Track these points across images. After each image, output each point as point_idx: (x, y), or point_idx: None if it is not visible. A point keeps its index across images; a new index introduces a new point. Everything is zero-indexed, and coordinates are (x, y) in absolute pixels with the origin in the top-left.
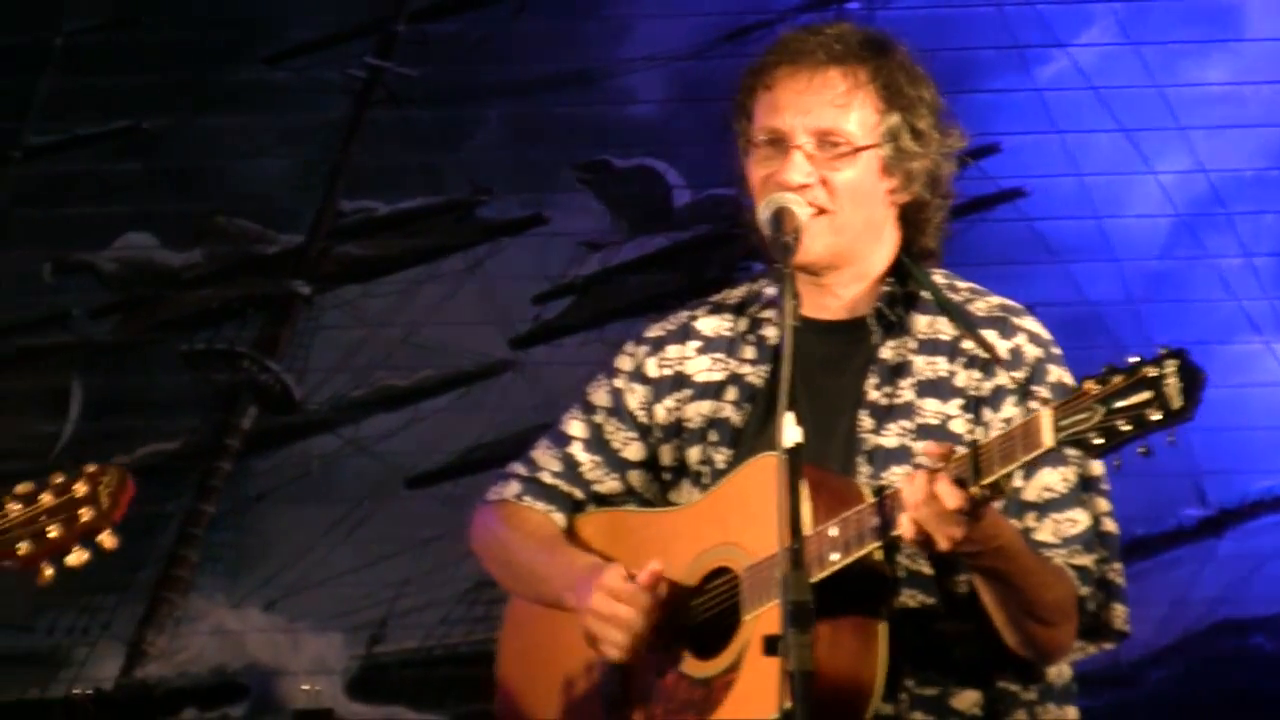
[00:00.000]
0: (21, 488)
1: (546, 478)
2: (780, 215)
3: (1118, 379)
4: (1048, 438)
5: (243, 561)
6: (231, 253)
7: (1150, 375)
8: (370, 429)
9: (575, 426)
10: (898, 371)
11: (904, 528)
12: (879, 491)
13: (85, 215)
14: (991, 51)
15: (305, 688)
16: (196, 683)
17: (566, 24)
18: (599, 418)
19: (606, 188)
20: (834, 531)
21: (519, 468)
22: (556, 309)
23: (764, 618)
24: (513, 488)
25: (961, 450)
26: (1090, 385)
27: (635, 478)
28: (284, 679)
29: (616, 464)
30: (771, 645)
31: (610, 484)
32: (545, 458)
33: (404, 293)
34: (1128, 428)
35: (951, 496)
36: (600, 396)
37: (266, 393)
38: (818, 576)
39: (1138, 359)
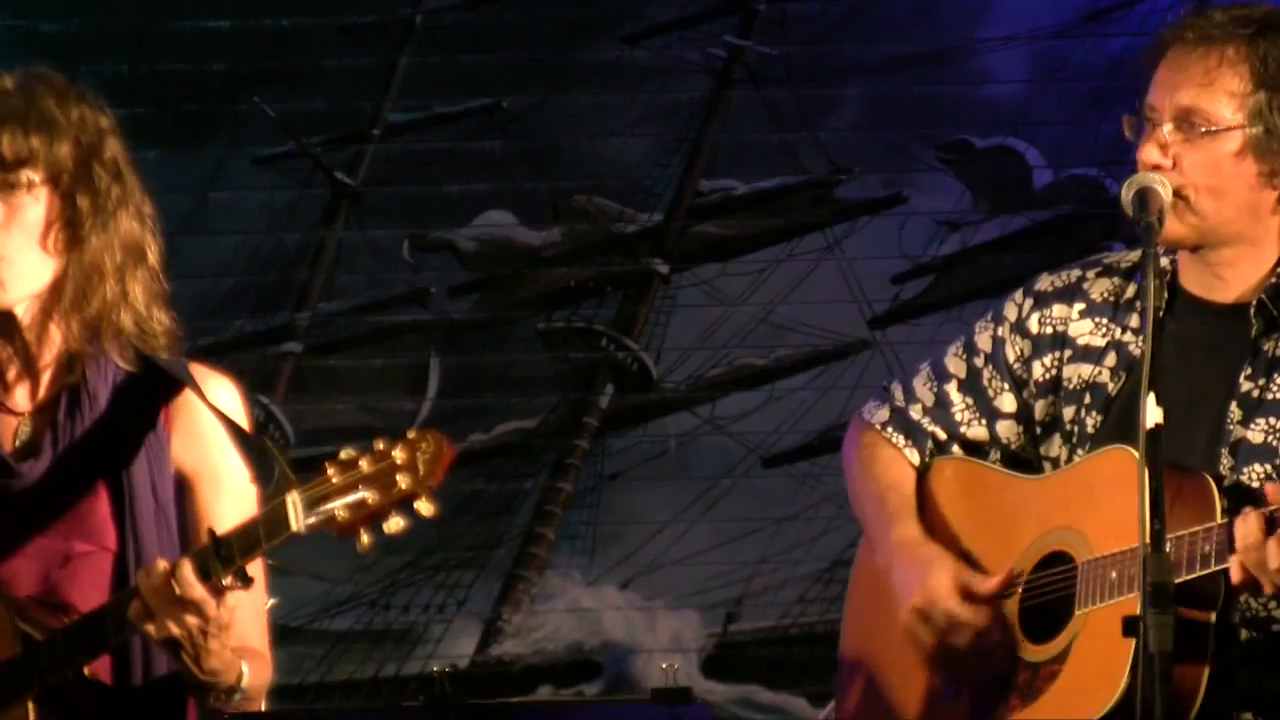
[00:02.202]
0: (344, 454)
1: (916, 413)
2: (1144, 195)
3: None
4: None
5: (599, 539)
6: (590, 231)
7: None
8: (727, 408)
9: (955, 364)
10: (1275, 366)
11: (1232, 569)
12: (1232, 491)
13: (444, 193)
14: None
15: (664, 665)
16: (552, 660)
17: (926, 4)
18: (979, 361)
19: (966, 168)
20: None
21: (897, 392)
22: (915, 289)
23: (1095, 616)
24: (882, 415)
25: None
26: None
27: (1003, 428)
28: (639, 657)
29: (988, 411)
30: (1130, 626)
31: (977, 429)
32: (922, 389)
33: (762, 272)
34: None
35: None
36: (983, 341)
37: (624, 371)
38: None
39: None
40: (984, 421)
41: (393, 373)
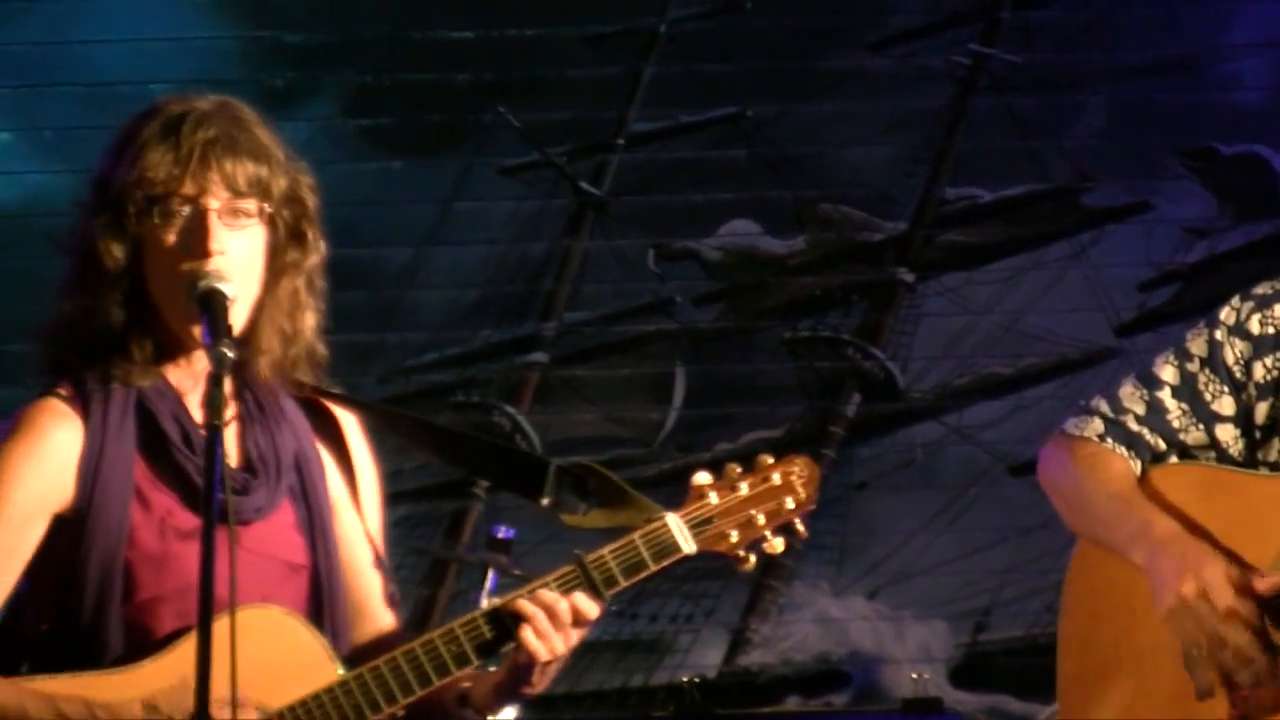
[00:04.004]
0: (702, 479)
1: (1131, 423)
2: None
3: None
4: None
5: (846, 549)
6: (835, 240)
7: None
8: (974, 416)
9: (1168, 372)
10: None
11: None
12: None
13: (688, 202)
14: None
15: (914, 675)
16: (800, 670)
17: (1171, 9)
18: (1193, 366)
19: (1212, 175)
20: None
21: (1103, 405)
22: (1162, 296)
23: None
24: (1095, 426)
25: None
26: None
27: (1222, 432)
28: (887, 667)
29: (1205, 415)
30: None
31: (1195, 435)
32: (1131, 399)
33: (1008, 280)
34: None
35: None
36: (1198, 345)
37: (870, 380)
38: None
39: None
40: (1201, 426)
41: (638, 382)
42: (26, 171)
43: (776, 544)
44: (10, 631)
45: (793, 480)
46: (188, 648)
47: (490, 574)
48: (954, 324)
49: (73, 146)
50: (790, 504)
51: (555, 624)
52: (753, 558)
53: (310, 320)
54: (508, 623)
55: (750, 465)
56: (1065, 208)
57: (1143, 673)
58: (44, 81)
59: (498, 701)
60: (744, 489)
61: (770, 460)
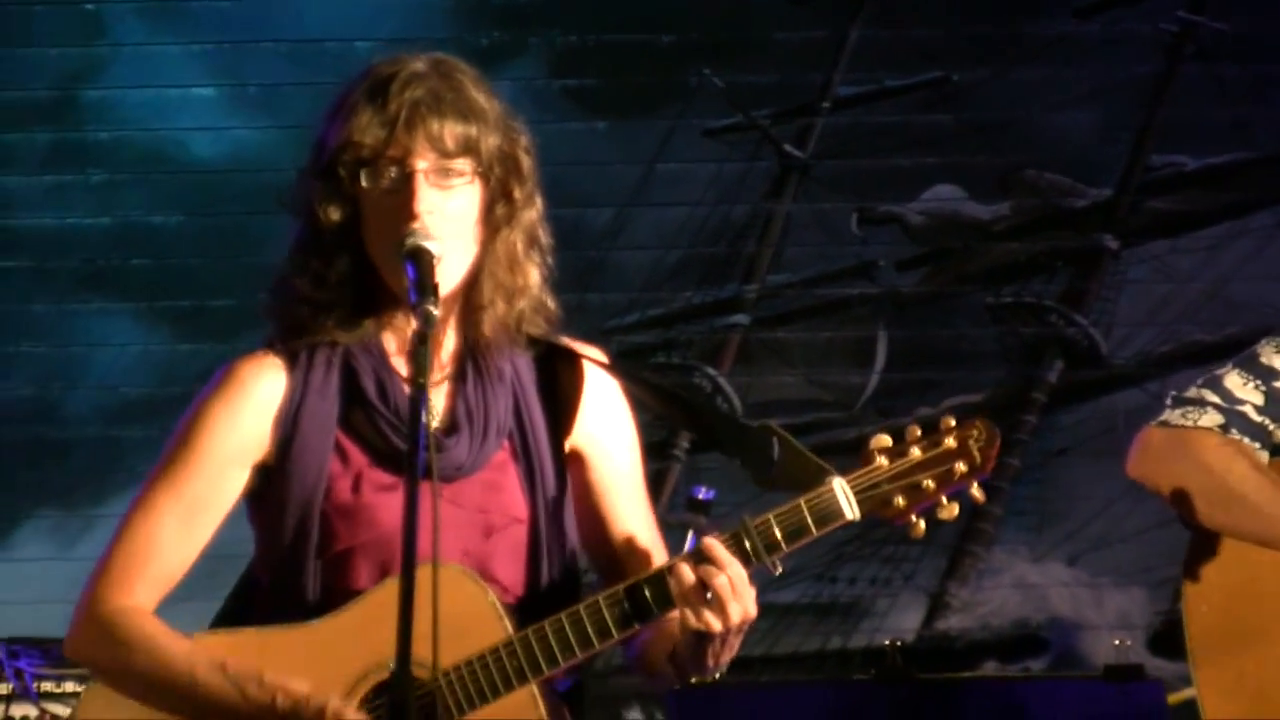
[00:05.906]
0: (880, 442)
1: (1252, 414)
2: None
3: None
4: None
5: (1046, 515)
6: (1039, 206)
7: None
8: (1177, 384)
9: None
10: None
11: None
12: None
13: (893, 166)
14: None
15: (1116, 642)
16: (998, 635)
17: None
18: None
19: None
20: None
21: (1211, 395)
22: None
23: None
24: (1212, 417)
25: None
26: None
27: None
28: (1086, 633)
29: None
30: None
31: None
32: (1245, 389)
33: (1212, 248)
34: None
35: None
36: None
37: (1073, 347)
38: None
39: None
40: None
41: (840, 346)
42: (231, 127)
43: (951, 509)
44: (248, 587)
45: (969, 445)
46: (367, 605)
47: (690, 535)
48: (1158, 291)
49: (277, 103)
50: (962, 468)
51: (698, 594)
52: (923, 523)
53: (534, 275)
54: (667, 588)
55: (930, 428)
56: (1271, 176)
57: None
58: (249, 38)
59: (687, 668)
60: (915, 453)
61: (951, 423)
